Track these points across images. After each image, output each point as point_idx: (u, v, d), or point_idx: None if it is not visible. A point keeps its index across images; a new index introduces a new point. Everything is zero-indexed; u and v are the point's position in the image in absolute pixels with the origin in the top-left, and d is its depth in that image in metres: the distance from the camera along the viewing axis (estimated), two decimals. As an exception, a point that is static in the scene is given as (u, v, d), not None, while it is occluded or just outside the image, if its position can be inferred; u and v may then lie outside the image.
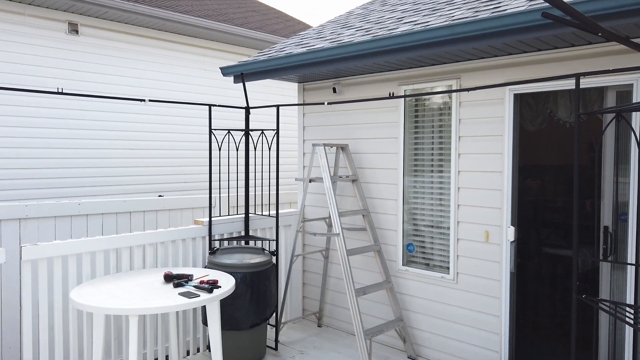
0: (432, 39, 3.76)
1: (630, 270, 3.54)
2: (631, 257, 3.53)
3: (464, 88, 3.97)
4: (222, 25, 8.32)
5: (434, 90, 4.54)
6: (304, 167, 5.71)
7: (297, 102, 5.86)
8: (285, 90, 9.65)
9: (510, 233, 4.05)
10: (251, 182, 7.29)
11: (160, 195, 8.05)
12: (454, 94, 4.36)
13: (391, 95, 3.95)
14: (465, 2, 4.40)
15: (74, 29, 7.08)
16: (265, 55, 5.27)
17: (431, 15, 4.31)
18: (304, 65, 4.73)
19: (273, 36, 9.22)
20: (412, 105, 4.72)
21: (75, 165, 7.07)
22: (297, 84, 5.78)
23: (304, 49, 4.79)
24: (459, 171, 4.36)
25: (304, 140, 5.72)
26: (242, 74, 5.13)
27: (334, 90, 5.22)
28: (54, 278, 3.81)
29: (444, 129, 4.50)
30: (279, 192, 7.02)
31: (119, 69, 7.48)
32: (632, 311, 3.08)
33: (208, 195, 4.84)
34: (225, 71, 5.46)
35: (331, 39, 4.93)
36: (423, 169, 4.67)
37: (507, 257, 4.08)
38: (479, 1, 4.21)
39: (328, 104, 4.44)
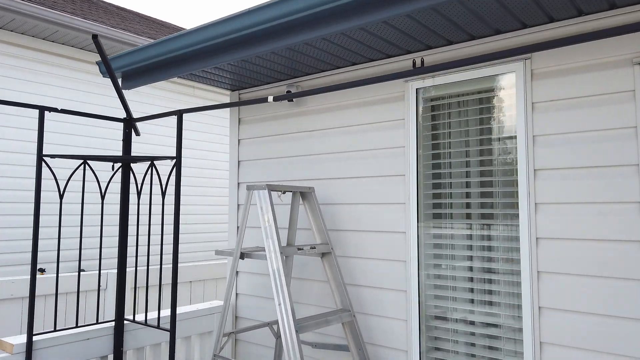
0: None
1: None
2: None
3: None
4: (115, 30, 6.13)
5: (476, 84, 2.46)
6: (237, 228, 3.42)
7: (223, 110, 3.59)
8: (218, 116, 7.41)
9: (675, 376, 1.86)
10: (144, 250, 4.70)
11: (40, 270, 5.48)
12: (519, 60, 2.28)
13: (415, 63, 1.84)
14: None
15: None
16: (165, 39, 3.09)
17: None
18: (232, 45, 2.57)
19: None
20: (430, 110, 2.60)
21: None
22: (229, 92, 3.60)
23: (233, 15, 2.65)
24: (536, 204, 2.21)
25: (238, 184, 3.46)
26: (105, 58, 2.90)
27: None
28: None
29: (501, 128, 2.38)
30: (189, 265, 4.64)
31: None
32: None
33: (31, 275, 2.44)
34: (103, 69, 3.24)
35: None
36: (452, 226, 2.49)
37: None
38: None
39: (274, 99, 2.26)
